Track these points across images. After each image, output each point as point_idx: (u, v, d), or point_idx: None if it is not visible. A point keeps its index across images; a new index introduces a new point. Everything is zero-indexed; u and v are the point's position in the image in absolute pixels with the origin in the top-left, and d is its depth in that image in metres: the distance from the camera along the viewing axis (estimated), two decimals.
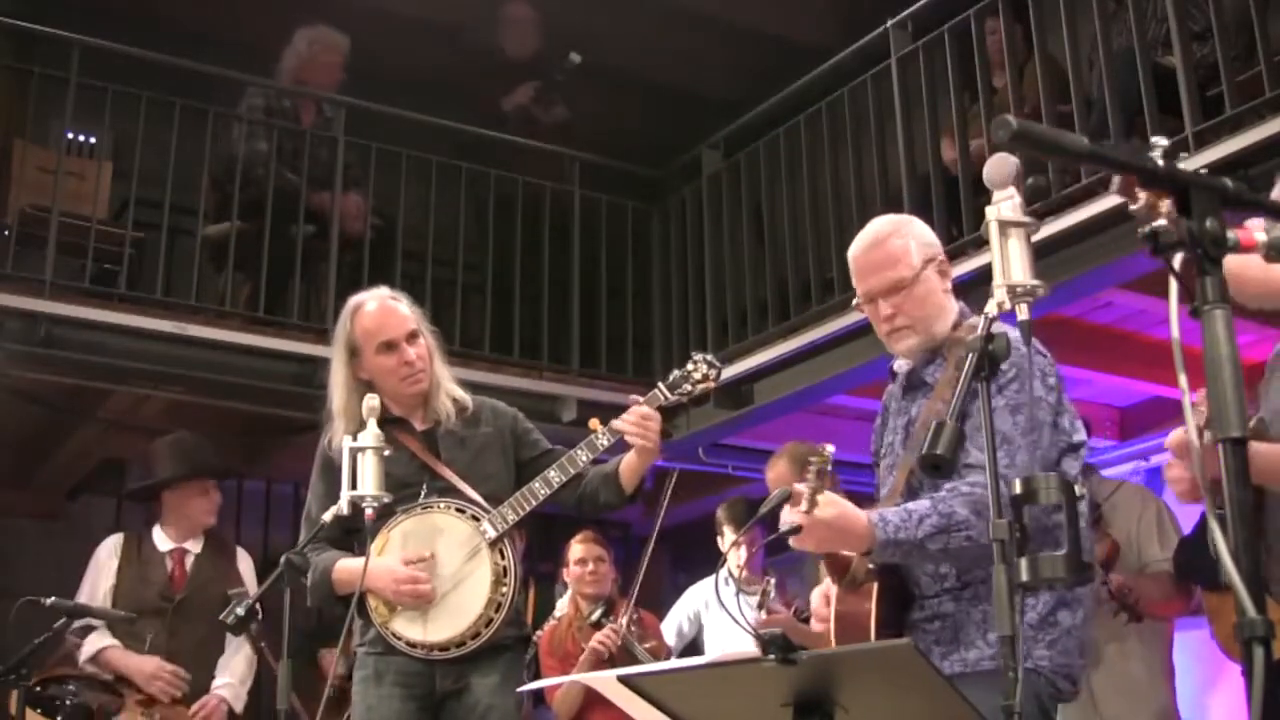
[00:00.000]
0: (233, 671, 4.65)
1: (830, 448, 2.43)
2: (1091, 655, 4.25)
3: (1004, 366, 2.47)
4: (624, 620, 4.47)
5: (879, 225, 2.73)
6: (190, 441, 4.95)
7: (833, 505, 2.38)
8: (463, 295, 6.41)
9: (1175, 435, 2.43)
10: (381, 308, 3.29)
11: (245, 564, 4.89)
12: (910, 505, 2.42)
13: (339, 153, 5.91)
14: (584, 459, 3.18)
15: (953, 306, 2.67)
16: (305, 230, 5.77)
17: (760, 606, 4.30)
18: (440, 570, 3.14)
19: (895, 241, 2.66)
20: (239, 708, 4.64)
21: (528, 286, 6.40)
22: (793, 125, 6.05)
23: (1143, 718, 4.25)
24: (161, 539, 4.75)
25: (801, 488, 2.37)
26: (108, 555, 4.67)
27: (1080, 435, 2.54)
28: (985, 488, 2.29)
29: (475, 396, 3.40)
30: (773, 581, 4.41)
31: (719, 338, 6.19)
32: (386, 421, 3.16)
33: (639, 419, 3.12)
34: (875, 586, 2.52)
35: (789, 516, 2.40)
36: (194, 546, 4.78)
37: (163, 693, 4.38)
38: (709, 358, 3.32)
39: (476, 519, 3.17)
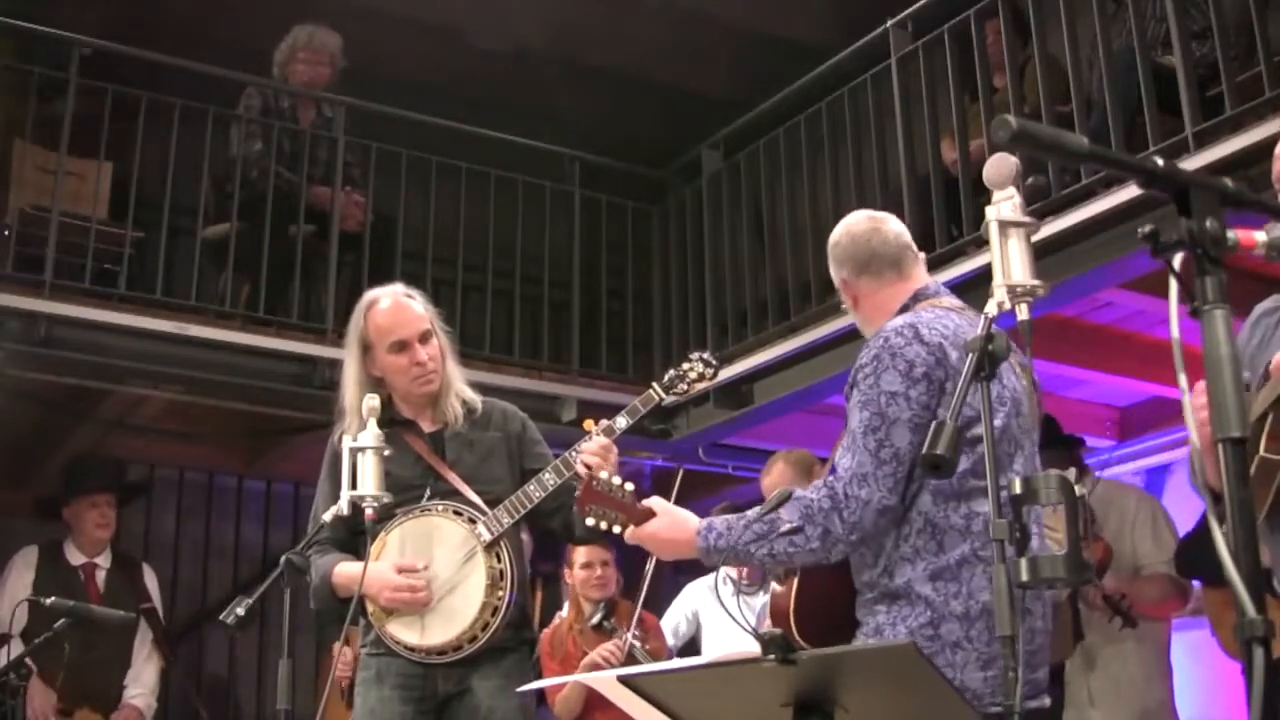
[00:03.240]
0: (143, 682, 4.96)
1: (617, 480, 2.59)
2: (1081, 660, 4.27)
3: (863, 360, 2.50)
4: (629, 636, 4.45)
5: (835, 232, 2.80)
6: (91, 460, 5.38)
7: (663, 516, 2.54)
8: (463, 295, 6.41)
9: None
10: (395, 305, 3.28)
11: (151, 580, 5.19)
12: (749, 511, 2.47)
13: (339, 152, 5.91)
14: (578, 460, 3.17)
15: (879, 314, 2.67)
16: (305, 230, 5.77)
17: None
18: (436, 574, 3.13)
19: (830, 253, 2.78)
20: (150, 717, 4.96)
21: (528, 287, 6.41)
22: (793, 125, 6.05)
23: (1138, 719, 4.26)
24: (73, 553, 5.01)
25: (591, 522, 2.58)
26: (25, 567, 4.90)
27: (980, 429, 2.38)
28: (821, 491, 2.41)
29: (486, 399, 3.39)
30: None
31: (719, 338, 6.19)
32: (395, 423, 3.17)
33: (600, 450, 3.05)
34: (796, 579, 2.61)
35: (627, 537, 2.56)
36: (103, 562, 5.07)
37: None
38: (705, 356, 3.32)
39: (473, 521, 3.16)
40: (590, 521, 2.56)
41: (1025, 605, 2.39)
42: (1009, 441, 2.47)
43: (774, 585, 2.73)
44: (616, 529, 2.55)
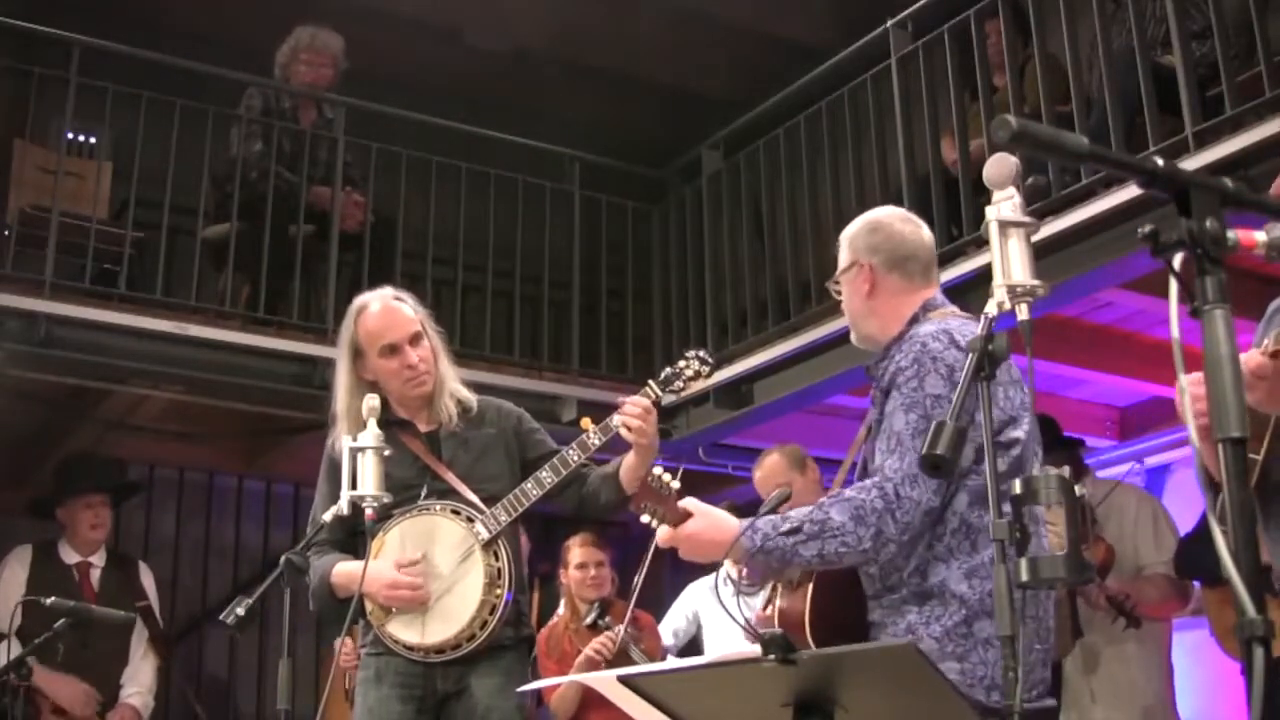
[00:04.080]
0: (140, 681, 4.92)
1: (668, 477, 2.53)
2: (1084, 661, 4.27)
3: (903, 364, 2.49)
4: (622, 628, 4.45)
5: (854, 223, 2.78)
6: (84, 460, 5.35)
7: (700, 518, 2.49)
8: (463, 295, 6.41)
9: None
10: (385, 309, 3.28)
11: (148, 578, 5.16)
12: (793, 511, 2.44)
13: (339, 153, 5.91)
14: (575, 458, 3.16)
15: (893, 314, 2.65)
16: (305, 230, 5.77)
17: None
18: (435, 573, 3.13)
19: (845, 238, 2.74)
20: (147, 715, 4.92)
21: (528, 287, 6.41)
22: (793, 125, 6.05)
23: (1138, 719, 4.26)
24: (67, 553, 4.98)
25: (645, 519, 2.50)
26: (19, 565, 4.87)
27: (1014, 433, 2.44)
28: (871, 492, 2.38)
29: (481, 397, 3.38)
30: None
31: (719, 338, 6.19)
32: (390, 423, 3.16)
33: (641, 412, 3.07)
34: (810, 585, 2.59)
35: (658, 537, 2.52)
36: (98, 561, 5.03)
37: (82, 713, 4.65)
38: (701, 354, 3.31)
39: (471, 520, 3.16)
40: (645, 518, 2.53)
41: (1042, 602, 2.43)
42: (1031, 446, 2.49)
43: (781, 597, 2.71)
44: (664, 528, 2.53)
